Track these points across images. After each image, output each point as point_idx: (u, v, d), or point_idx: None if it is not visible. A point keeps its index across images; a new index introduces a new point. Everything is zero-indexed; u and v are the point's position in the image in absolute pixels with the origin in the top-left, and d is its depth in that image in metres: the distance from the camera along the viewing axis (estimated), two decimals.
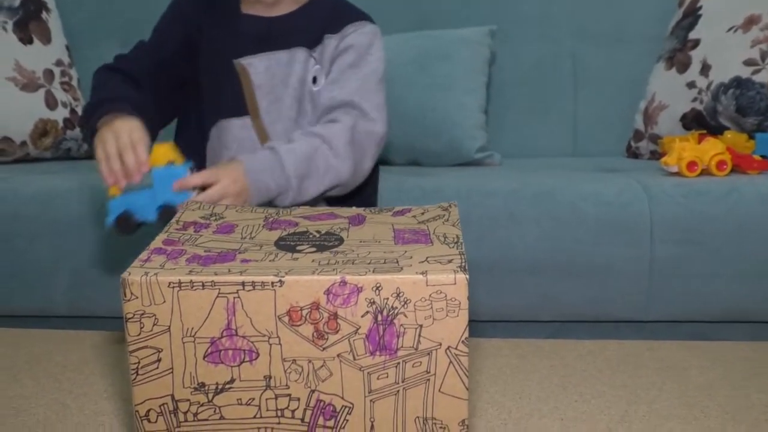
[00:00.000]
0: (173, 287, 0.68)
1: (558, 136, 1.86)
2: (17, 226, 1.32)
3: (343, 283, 0.67)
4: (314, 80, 1.11)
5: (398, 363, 0.69)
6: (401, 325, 0.68)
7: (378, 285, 0.67)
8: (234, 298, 0.68)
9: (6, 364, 1.17)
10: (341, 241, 0.77)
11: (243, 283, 0.68)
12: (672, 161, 1.32)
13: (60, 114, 1.67)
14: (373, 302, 0.67)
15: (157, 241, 0.77)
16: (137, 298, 0.69)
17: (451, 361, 0.68)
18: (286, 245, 0.76)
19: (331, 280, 0.67)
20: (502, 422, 0.96)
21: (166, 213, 0.99)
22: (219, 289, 0.68)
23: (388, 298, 0.67)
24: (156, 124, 1.10)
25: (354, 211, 0.86)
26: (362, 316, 0.68)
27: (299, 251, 0.74)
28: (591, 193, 1.27)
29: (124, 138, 0.98)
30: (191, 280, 0.68)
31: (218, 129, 1.13)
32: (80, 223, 1.30)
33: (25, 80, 1.64)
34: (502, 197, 1.28)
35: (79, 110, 1.70)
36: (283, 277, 0.68)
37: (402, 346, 0.68)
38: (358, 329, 0.68)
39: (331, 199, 1.11)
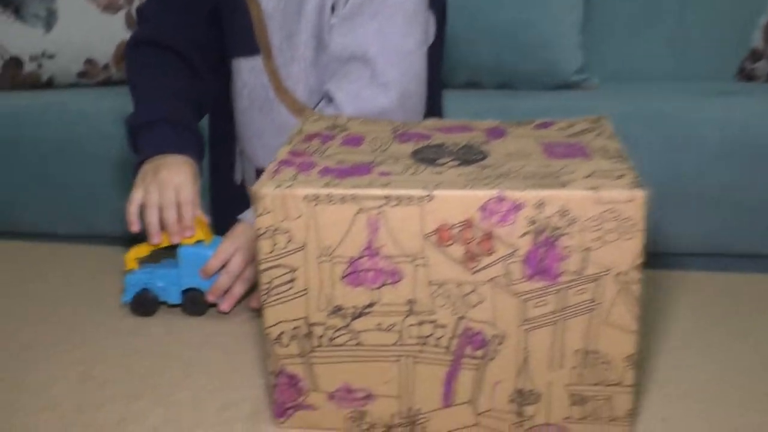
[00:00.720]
0: (309, 201, 0.63)
1: (660, 56, 1.72)
2: (104, 145, 1.28)
3: (501, 198, 0.60)
4: (332, 8, 0.94)
5: (559, 290, 0.62)
6: (565, 247, 0.61)
7: (541, 201, 0.60)
8: (377, 213, 0.62)
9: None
10: (484, 155, 0.70)
11: (387, 198, 0.62)
12: None
13: None
14: (534, 221, 0.61)
15: (283, 153, 0.71)
16: (270, 212, 0.63)
17: (620, 290, 0.62)
18: (424, 158, 0.69)
19: (488, 195, 0.61)
20: (673, 365, 0.82)
21: (193, 298, 0.95)
22: (360, 203, 0.62)
23: (551, 217, 0.60)
24: (206, 104, 1.03)
25: (489, 123, 0.79)
26: (521, 237, 0.61)
27: (441, 165, 0.68)
28: (712, 117, 1.16)
29: (169, 194, 0.91)
30: (329, 194, 0.62)
31: (233, 72, 1.02)
32: None
33: (105, 1, 1.59)
34: (614, 122, 1.18)
35: None
36: (433, 191, 0.61)
37: (565, 271, 0.62)
38: (515, 251, 0.62)
39: None
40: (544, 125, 0.77)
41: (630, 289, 0.62)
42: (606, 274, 0.61)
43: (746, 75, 1.58)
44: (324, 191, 0.62)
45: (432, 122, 0.81)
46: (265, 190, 0.63)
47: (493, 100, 1.37)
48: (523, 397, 0.66)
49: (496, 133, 0.76)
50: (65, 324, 0.93)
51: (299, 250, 0.64)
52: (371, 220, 0.62)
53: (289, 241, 0.64)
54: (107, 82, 1.60)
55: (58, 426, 0.71)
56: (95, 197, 1.31)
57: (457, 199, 0.61)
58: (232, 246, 0.93)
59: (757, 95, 1.28)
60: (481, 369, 0.65)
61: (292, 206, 0.63)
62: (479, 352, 0.65)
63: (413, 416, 0.68)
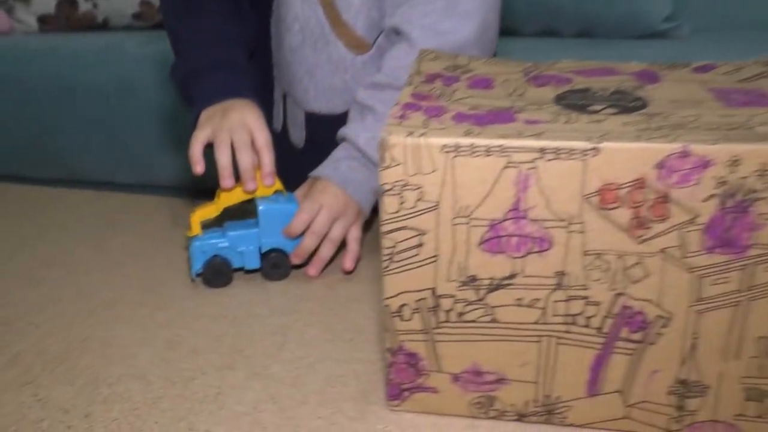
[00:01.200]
0: (449, 152, 0.53)
1: (759, 2, 1.58)
2: (161, 91, 1.20)
3: (685, 154, 0.50)
4: None
5: (746, 265, 0.52)
6: (760, 214, 0.51)
7: (735, 158, 0.50)
8: (529, 168, 0.52)
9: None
10: (644, 102, 0.59)
11: (543, 150, 0.52)
12: None
13: None
14: (725, 182, 0.50)
15: (405, 95, 0.62)
16: (399, 164, 0.54)
17: None
18: (572, 104, 0.59)
19: (669, 149, 0.50)
20: None
21: (276, 260, 0.85)
22: (509, 156, 0.52)
23: (747, 177, 0.50)
24: (251, 43, 0.93)
25: (635, 66, 0.68)
26: (705, 200, 0.51)
27: (595, 112, 0.57)
28: None
29: (244, 135, 0.81)
30: (472, 144, 0.53)
31: (281, 4, 0.91)
32: None
33: None
34: None
35: None
36: (600, 143, 0.51)
37: (756, 243, 0.51)
38: (695, 217, 0.52)
39: None
40: (705, 68, 0.66)
41: None
42: None
43: None
44: (465, 141, 0.53)
45: (566, 63, 0.70)
46: (394, 137, 0.54)
47: (572, 49, 1.25)
48: (686, 389, 0.56)
49: (649, 77, 0.65)
50: (145, 283, 0.86)
51: (431, 210, 0.55)
52: (521, 176, 0.53)
53: (420, 198, 0.55)
54: (162, 25, 1.51)
55: (150, 398, 0.64)
56: (154, 145, 1.23)
57: (630, 153, 0.51)
58: (315, 204, 0.84)
59: None
60: (638, 354, 0.56)
61: (426, 158, 0.53)
62: (637, 335, 0.56)
63: (552, 405, 0.59)
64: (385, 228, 0.56)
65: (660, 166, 0.51)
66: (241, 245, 0.85)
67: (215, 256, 0.85)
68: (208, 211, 0.85)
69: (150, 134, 1.22)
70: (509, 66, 0.69)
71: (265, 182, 0.84)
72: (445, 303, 0.57)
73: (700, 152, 0.50)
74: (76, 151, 1.27)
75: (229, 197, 0.84)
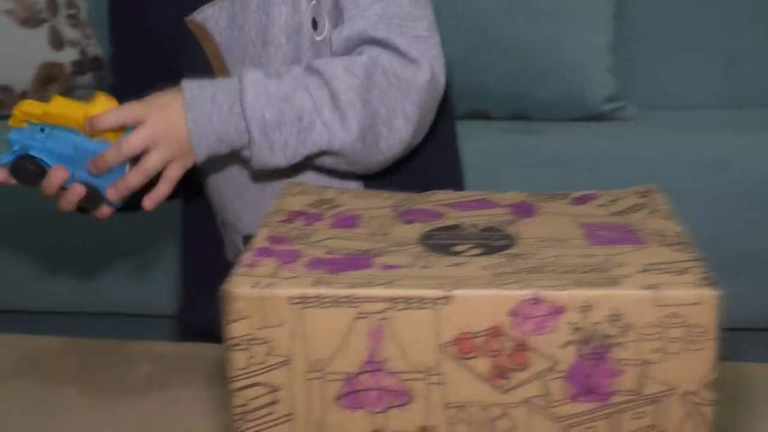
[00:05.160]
0: (296, 304, 0.59)
1: (709, 80, 1.68)
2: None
3: (537, 300, 0.57)
4: (314, 24, 0.92)
5: (611, 413, 0.59)
6: (619, 360, 0.58)
7: (586, 304, 0.57)
8: (380, 319, 0.59)
9: None
10: (511, 240, 0.67)
11: (394, 299, 0.59)
12: None
13: (68, 56, 1.58)
14: (579, 328, 0.58)
15: (260, 239, 0.68)
16: (245, 318, 0.60)
17: (688, 413, 0.58)
18: (436, 245, 0.67)
19: (520, 296, 0.58)
20: None
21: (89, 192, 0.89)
22: (359, 306, 0.59)
23: (599, 323, 0.57)
24: None
25: (514, 196, 0.77)
26: (562, 347, 0.58)
27: (458, 253, 0.65)
28: None
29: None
30: (320, 295, 0.59)
31: None
32: None
33: (24, 13, 1.56)
34: (651, 165, 1.16)
35: (91, 50, 1.62)
36: (450, 291, 0.58)
37: (618, 390, 0.58)
38: (555, 365, 0.58)
39: (373, 181, 0.94)
40: (583, 200, 0.75)
41: (701, 413, 0.58)
42: (670, 394, 0.58)
43: None
44: (313, 291, 0.59)
45: (442, 195, 0.78)
46: (239, 289, 0.60)
47: (504, 135, 1.34)
48: None
49: (524, 210, 0.73)
50: None
51: (282, 365, 0.61)
52: (373, 327, 0.59)
53: (270, 353, 0.60)
54: None
55: None
56: None
57: (481, 300, 0.58)
58: (143, 111, 0.85)
59: None
60: None
61: (272, 311, 0.60)
62: None
63: None
64: (235, 385, 0.61)
65: (513, 313, 0.58)
66: None
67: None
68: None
69: None
70: (381, 199, 0.77)
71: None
72: None
73: (551, 299, 0.57)
74: None
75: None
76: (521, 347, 0.58)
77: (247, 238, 0.99)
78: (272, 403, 0.61)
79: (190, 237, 1.13)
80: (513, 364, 0.59)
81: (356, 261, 0.64)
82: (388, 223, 0.72)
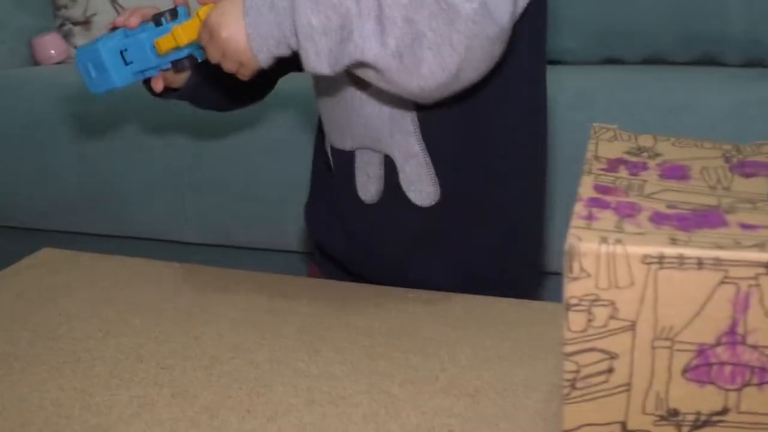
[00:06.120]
0: (651, 263, 0.55)
1: None
2: None
3: None
4: None
5: None
6: None
7: None
8: (749, 286, 0.54)
9: None
10: None
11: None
12: None
13: None
14: None
15: (586, 187, 0.64)
16: (589, 276, 0.56)
17: None
18: None
19: None
20: None
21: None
22: (726, 270, 0.54)
23: None
24: None
25: None
26: None
27: None
28: None
29: None
30: (680, 255, 0.54)
31: None
32: None
33: None
34: None
35: None
36: None
37: None
38: None
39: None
40: None
41: None
42: None
43: None
44: (672, 251, 0.55)
45: None
46: (586, 244, 0.56)
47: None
48: None
49: None
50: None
51: (626, 330, 0.57)
52: (741, 294, 0.54)
53: (613, 316, 0.57)
54: None
55: None
56: None
57: None
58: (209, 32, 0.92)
59: None
60: None
61: (623, 270, 0.55)
62: None
63: None
64: (568, 349, 0.58)
65: None
66: None
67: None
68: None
69: None
70: (704, 149, 0.71)
71: None
72: None
73: None
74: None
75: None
76: None
77: (333, 150, 1.07)
78: (608, 371, 0.58)
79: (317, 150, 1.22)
80: None
81: (707, 217, 0.59)
82: (725, 176, 0.66)
